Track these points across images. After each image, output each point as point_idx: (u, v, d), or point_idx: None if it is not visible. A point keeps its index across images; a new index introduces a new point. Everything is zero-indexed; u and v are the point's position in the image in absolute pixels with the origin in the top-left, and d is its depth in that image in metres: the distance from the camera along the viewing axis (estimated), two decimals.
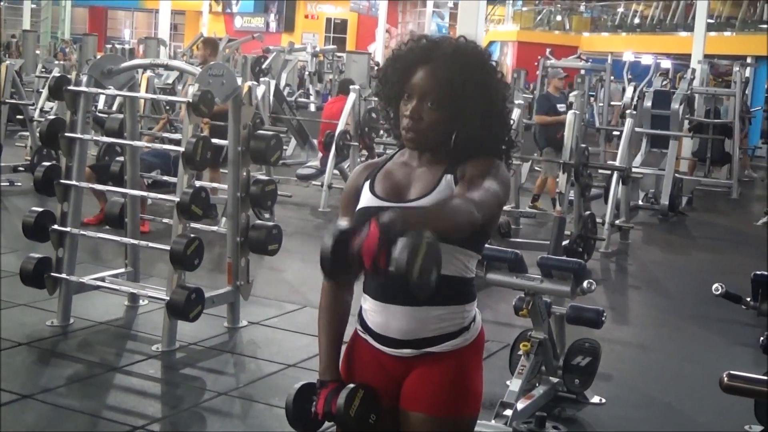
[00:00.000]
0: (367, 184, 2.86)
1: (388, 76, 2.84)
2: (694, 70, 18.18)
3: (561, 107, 12.75)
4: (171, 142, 8.71)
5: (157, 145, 8.12)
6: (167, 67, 11.24)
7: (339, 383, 2.84)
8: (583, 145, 10.02)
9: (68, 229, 6.46)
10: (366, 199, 2.83)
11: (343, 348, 2.97)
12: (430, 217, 2.40)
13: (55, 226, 6.45)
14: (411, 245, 2.21)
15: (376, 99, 2.97)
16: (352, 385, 2.80)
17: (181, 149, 6.10)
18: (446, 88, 2.72)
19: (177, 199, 6.07)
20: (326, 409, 2.80)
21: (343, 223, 2.40)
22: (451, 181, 2.74)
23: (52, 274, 6.45)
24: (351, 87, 12.48)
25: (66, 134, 6.45)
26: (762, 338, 5.10)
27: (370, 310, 2.84)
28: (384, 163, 2.92)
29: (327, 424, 2.87)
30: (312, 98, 20.48)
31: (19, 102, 12.87)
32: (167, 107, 11.07)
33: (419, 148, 2.81)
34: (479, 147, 2.79)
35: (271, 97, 14.53)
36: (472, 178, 2.68)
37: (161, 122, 10.22)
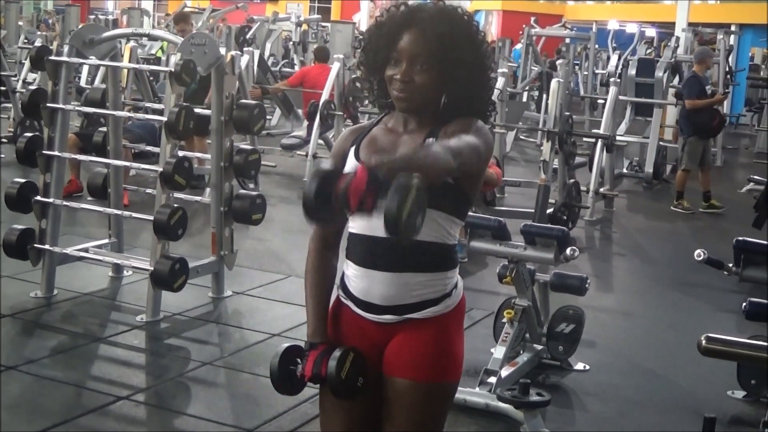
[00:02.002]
0: (352, 149, 2.85)
1: (372, 45, 2.83)
2: (678, 38, 18.16)
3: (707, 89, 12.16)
4: (155, 112, 8.66)
5: (140, 116, 8.06)
6: (150, 37, 11.15)
7: (329, 345, 2.81)
8: (567, 113, 10.03)
9: (51, 200, 6.44)
10: (351, 166, 2.80)
11: None
12: (412, 162, 2.36)
13: (38, 198, 6.43)
14: (402, 187, 2.24)
15: (359, 69, 2.93)
16: (343, 348, 2.77)
17: (164, 119, 6.08)
18: (436, 46, 2.71)
19: (160, 169, 6.06)
20: (315, 370, 2.76)
21: (326, 165, 2.43)
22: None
23: (36, 245, 6.43)
24: (335, 56, 12.43)
25: (48, 105, 6.42)
26: (744, 304, 5.12)
27: (352, 276, 2.84)
28: (370, 128, 2.91)
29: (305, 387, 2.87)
30: (296, 68, 20.40)
31: (1, 73, 12.79)
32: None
33: (411, 111, 2.80)
34: (466, 109, 2.80)
35: (256, 67, 14.48)
36: (452, 132, 2.68)
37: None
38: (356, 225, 2.81)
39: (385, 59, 2.79)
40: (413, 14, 2.77)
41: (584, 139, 12.63)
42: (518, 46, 21.34)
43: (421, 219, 2.32)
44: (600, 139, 10.98)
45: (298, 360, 2.83)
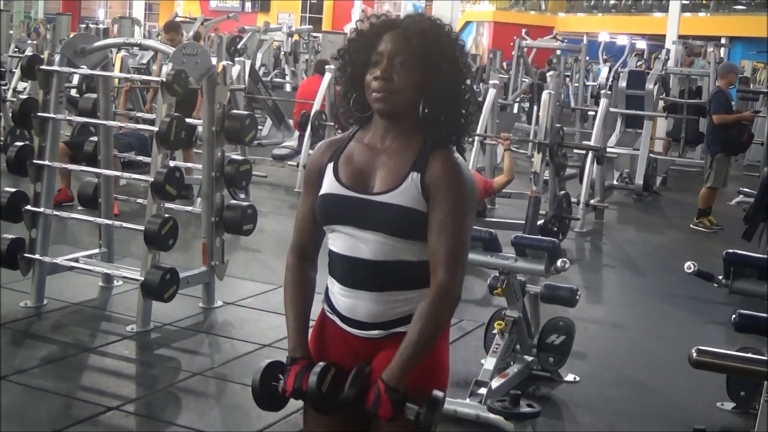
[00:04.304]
0: (330, 166, 2.83)
1: (352, 56, 2.80)
2: (668, 51, 18.22)
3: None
4: (145, 122, 8.66)
5: (132, 125, 8.06)
6: (141, 47, 11.14)
7: (309, 360, 2.80)
8: (558, 125, 10.05)
9: (41, 209, 6.43)
10: (330, 185, 2.80)
11: (311, 326, 2.97)
12: (416, 356, 2.68)
13: (28, 207, 6.41)
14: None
15: (338, 84, 2.90)
16: (323, 363, 2.75)
17: (155, 129, 6.08)
18: (418, 43, 2.70)
19: (151, 179, 6.05)
20: (296, 386, 2.74)
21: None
22: (417, 182, 2.71)
23: (26, 254, 6.41)
24: (326, 67, 12.44)
25: (38, 114, 6.41)
26: (734, 316, 5.14)
27: (337, 293, 2.84)
28: (347, 141, 2.86)
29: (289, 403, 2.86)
30: (288, 78, 20.41)
31: None
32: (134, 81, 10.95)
33: (389, 113, 2.76)
34: (446, 122, 2.77)
35: (247, 77, 14.49)
36: (440, 225, 2.69)
37: (124, 93, 9.97)
38: (337, 244, 2.81)
39: (365, 66, 2.76)
40: (393, 20, 2.77)
41: (575, 150, 12.65)
42: None
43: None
44: (591, 151, 11.00)
45: (280, 375, 2.81)
